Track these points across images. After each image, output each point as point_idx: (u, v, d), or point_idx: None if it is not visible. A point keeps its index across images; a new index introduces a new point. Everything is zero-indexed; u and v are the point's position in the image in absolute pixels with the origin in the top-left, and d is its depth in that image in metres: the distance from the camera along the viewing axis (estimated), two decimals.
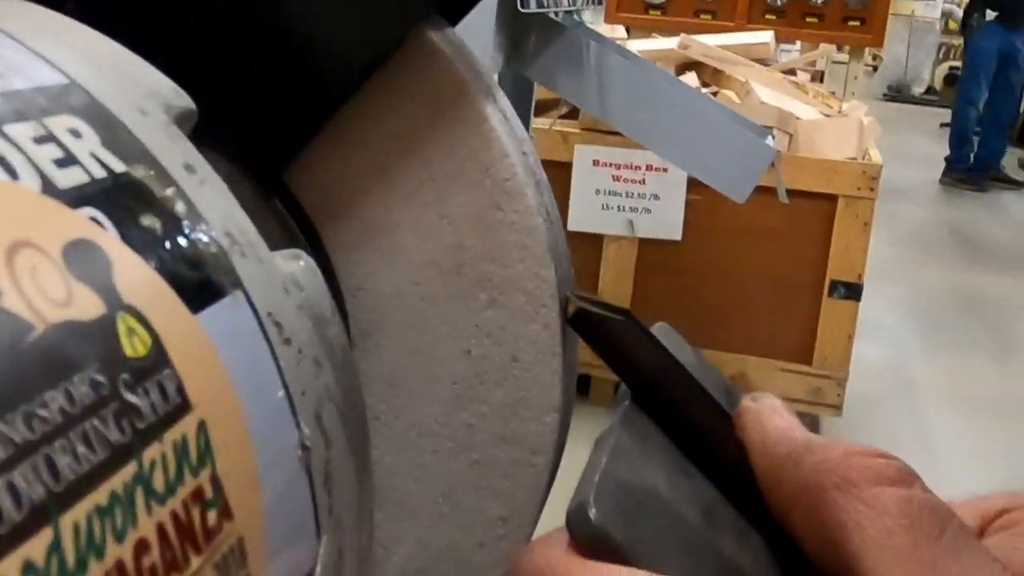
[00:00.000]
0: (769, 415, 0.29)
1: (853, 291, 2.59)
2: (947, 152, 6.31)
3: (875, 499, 0.24)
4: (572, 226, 2.64)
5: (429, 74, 0.35)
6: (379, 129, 0.36)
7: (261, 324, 0.22)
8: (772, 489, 0.27)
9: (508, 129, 0.36)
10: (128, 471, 0.17)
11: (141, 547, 0.17)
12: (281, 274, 0.24)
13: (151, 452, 0.18)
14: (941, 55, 10.13)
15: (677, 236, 2.65)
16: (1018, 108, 7.03)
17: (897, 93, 10.17)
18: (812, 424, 2.69)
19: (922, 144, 7.44)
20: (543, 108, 2.47)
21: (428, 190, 0.36)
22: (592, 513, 0.25)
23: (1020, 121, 7.40)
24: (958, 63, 8.33)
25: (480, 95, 0.35)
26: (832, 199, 2.57)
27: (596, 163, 2.64)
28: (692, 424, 0.32)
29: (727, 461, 0.30)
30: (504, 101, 0.37)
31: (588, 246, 2.68)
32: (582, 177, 2.63)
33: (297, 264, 0.26)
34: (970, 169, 6.16)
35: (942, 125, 7.75)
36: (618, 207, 2.65)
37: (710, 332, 2.67)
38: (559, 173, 2.59)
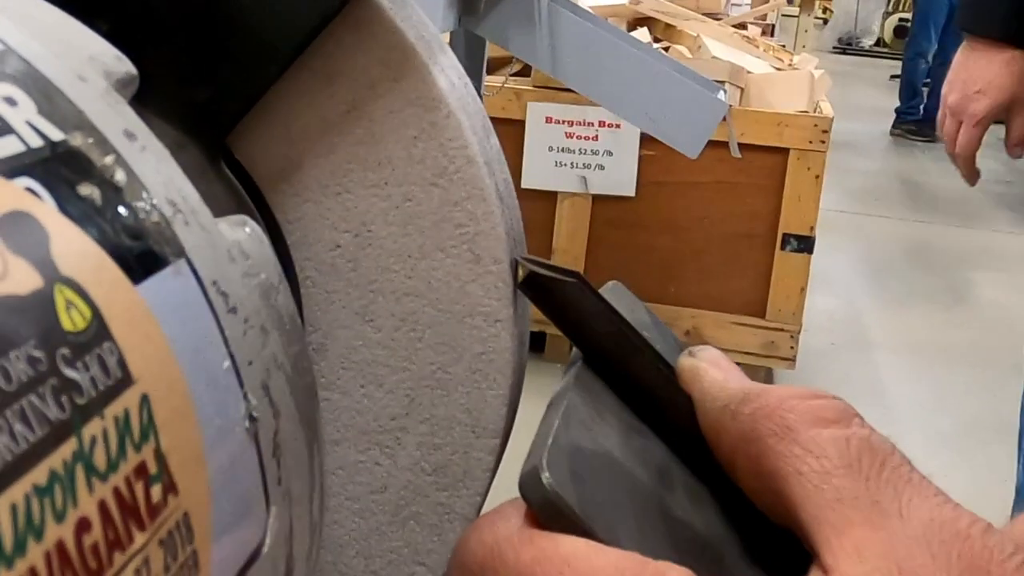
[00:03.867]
0: (706, 369, 0.28)
1: (805, 244, 2.61)
2: (897, 104, 6.36)
3: (812, 442, 0.23)
4: (526, 183, 2.64)
5: (373, 36, 0.34)
6: (323, 92, 0.35)
7: (206, 293, 0.22)
8: (715, 443, 0.27)
9: (454, 89, 0.36)
10: (67, 449, 0.17)
11: (82, 526, 0.17)
12: (226, 242, 0.24)
13: (91, 428, 0.17)
14: (890, 7, 10.18)
15: (631, 192, 2.66)
16: None
17: (847, 46, 10.23)
18: (766, 377, 2.73)
19: (872, 96, 7.50)
20: (495, 66, 2.45)
21: (372, 153, 0.35)
22: (545, 477, 0.25)
23: None
24: (908, 15, 8.38)
25: (427, 57, 0.35)
26: (784, 152, 2.59)
27: (549, 120, 2.63)
28: (642, 385, 0.32)
29: (678, 421, 0.31)
30: (452, 61, 0.36)
31: (542, 203, 2.68)
32: (535, 134, 2.63)
33: (243, 231, 0.25)
34: (920, 120, 6.22)
35: (892, 77, 7.81)
36: (571, 164, 2.65)
37: (664, 287, 2.68)
38: (512, 131, 2.59)
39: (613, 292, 0.37)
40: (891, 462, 0.23)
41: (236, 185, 0.37)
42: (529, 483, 0.26)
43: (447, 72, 0.36)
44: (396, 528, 0.36)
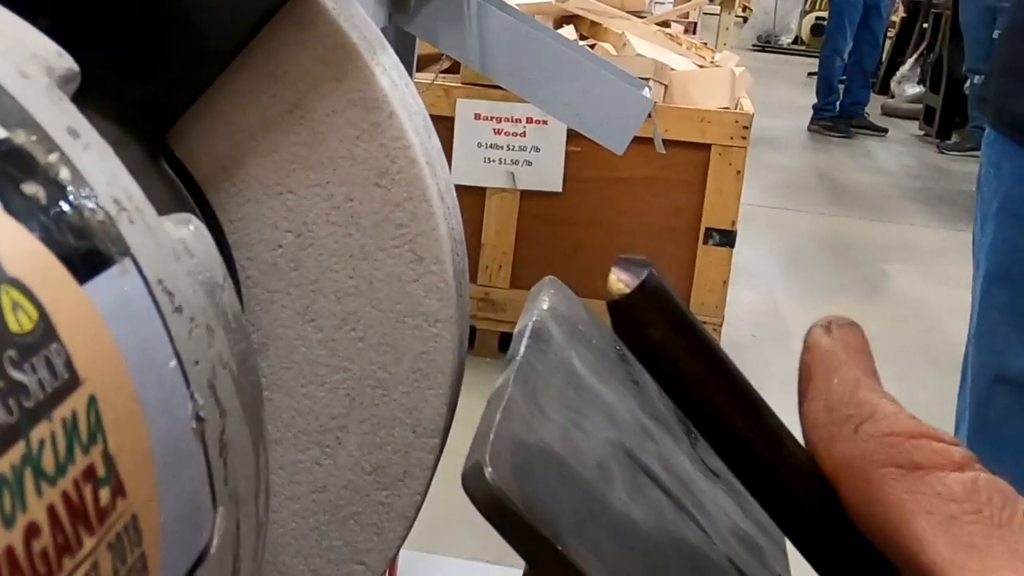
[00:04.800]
0: (843, 362, 0.27)
1: (727, 238, 2.66)
2: (814, 100, 6.50)
3: (940, 483, 0.23)
4: (455, 179, 2.61)
5: (316, 35, 0.34)
6: (266, 91, 0.35)
7: (151, 293, 0.21)
8: (825, 449, 0.26)
9: (396, 89, 0.35)
10: (16, 452, 0.16)
11: (31, 531, 0.16)
12: (171, 240, 0.24)
13: (40, 431, 0.17)
14: (808, 6, 10.39)
15: (558, 187, 2.68)
16: (881, 57, 7.28)
17: (766, 43, 10.41)
18: None
19: (790, 93, 7.65)
20: (425, 62, 2.44)
21: (314, 153, 0.35)
22: (488, 472, 0.25)
23: (883, 69, 7.67)
24: (824, 13, 8.55)
25: (369, 56, 0.34)
26: (706, 148, 2.63)
27: (478, 116, 2.64)
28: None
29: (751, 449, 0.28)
30: (394, 60, 0.36)
31: (471, 199, 2.69)
32: (464, 131, 2.63)
33: (187, 229, 0.25)
34: (836, 117, 6.36)
35: (809, 74, 7.97)
36: (500, 160, 2.67)
37: (591, 281, 2.69)
38: (441, 127, 2.56)
39: (550, 287, 0.37)
40: (1020, 507, 0.23)
41: (177, 184, 0.36)
42: (472, 478, 0.26)
43: (389, 72, 0.36)
44: (336, 527, 0.36)
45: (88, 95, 0.34)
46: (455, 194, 0.39)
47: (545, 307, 0.35)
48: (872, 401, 0.25)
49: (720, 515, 0.33)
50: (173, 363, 0.21)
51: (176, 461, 0.20)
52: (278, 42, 0.35)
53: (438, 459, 0.37)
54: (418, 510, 0.36)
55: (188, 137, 0.36)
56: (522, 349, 0.34)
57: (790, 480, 0.27)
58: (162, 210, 0.29)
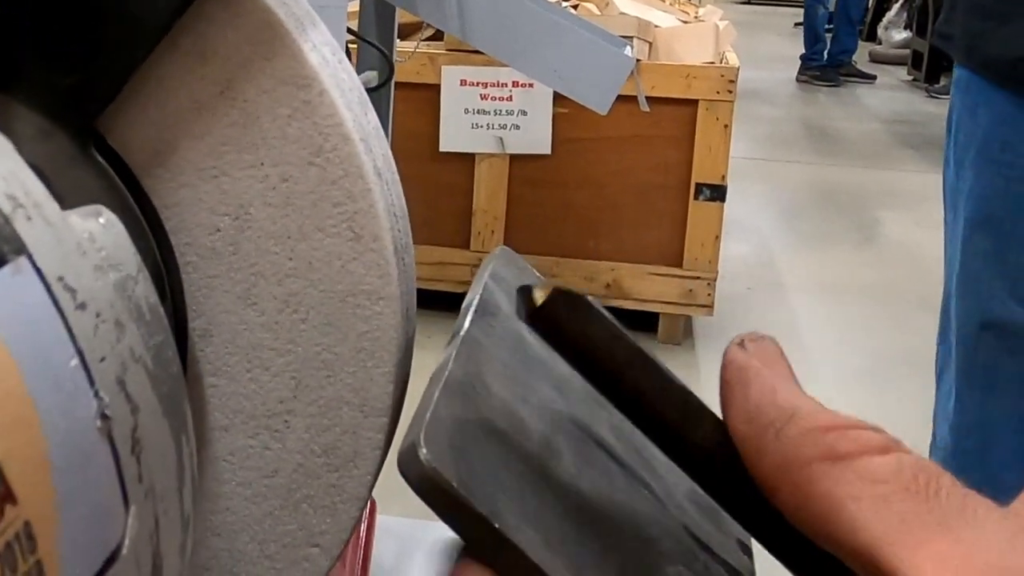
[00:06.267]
0: (758, 372, 0.27)
1: (718, 193, 2.65)
2: (801, 51, 6.47)
3: (865, 468, 0.23)
4: (444, 147, 2.64)
5: (243, 14, 0.34)
6: (195, 73, 0.34)
7: (50, 290, 0.21)
8: (755, 460, 0.26)
9: (327, 66, 0.35)
10: None
11: None
12: (75, 234, 0.23)
13: None
14: None
15: (546, 150, 2.67)
16: (867, 3, 7.24)
17: None
18: (685, 324, 2.77)
19: (777, 44, 7.60)
20: (407, 31, 2.43)
21: (247, 134, 0.35)
22: (422, 453, 0.25)
23: (869, 16, 7.62)
24: None
25: (297, 34, 0.34)
26: (693, 104, 2.61)
27: (463, 83, 2.63)
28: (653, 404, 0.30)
29: (699, 449, 0.29)
30: (325, 36, 0.36)
31: (461, 165, 2.68)
32: (450, 98, 2.62)
33: (96, 221, 0.25)
34: (824, 66, 6.34)
35: (796, 24, 7.91)
36: (487, 125, 2.66)
37: (583, 242, 2.71)
38: (428, 95, 2.58)
39: (502, 257, 0.36)
40: (946, 483, 0.23)
41: (108, 172, 0.36)
42: (406, 460, 0.25)
43: (320, 49, 0.35)
44: (289, 511, 0.36)
45: (16, 86, 0.34)
46: (395, 168, 0.38)
47: (493, 279, 0.35)
48: (790, 403, 0.25)
49: (676, 480, 0.33)
50: (75, 362, 0.21)
51: (78, 463, 0.20)
52: (205, 22, 0.34)
53: (389, 438, 0.36)
54: (371, 490, 0.36)
55: (120, 124, 0.35)
56: (466, 324, 0.33)
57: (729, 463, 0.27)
58: (90, 201, 0.28)
